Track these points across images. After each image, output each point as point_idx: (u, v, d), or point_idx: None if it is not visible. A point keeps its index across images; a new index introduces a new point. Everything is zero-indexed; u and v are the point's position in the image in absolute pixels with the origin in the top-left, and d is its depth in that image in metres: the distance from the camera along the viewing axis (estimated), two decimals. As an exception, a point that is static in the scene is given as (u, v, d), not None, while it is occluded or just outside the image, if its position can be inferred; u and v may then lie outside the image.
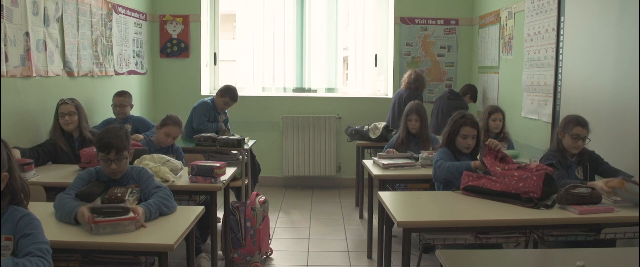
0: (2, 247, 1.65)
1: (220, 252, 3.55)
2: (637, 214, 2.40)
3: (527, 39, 4.40)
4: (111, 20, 4.61)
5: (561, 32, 3.86)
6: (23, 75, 3.30)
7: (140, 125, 4.23)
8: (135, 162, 2.94)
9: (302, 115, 5.90)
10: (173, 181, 2.89)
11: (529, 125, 4.40)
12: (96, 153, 2.54)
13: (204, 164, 3.00)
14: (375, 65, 6.11)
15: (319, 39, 6.00)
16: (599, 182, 2.67)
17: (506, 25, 4.90)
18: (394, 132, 4.49)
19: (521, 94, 4.50)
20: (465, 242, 2.47)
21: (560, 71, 3.88)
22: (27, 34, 3.30)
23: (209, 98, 4.80)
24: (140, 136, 3.79)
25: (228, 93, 4.74)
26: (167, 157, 3.07)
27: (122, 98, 4.24)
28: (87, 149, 3.20)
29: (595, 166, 3.03)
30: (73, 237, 2.06)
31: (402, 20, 5.89)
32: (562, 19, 3.85)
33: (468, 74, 5.94)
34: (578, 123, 2.97)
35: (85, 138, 3.52)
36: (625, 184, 2.51)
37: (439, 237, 2.46)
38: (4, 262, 1.54)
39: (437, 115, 5.18)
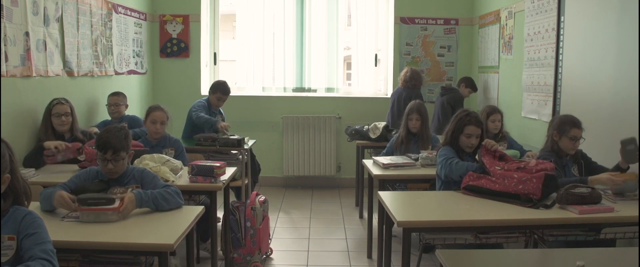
0: (4, 247, 1.65)
1: (220, 252, 3.56)
2: (637, 214, 2.40)
3: (527, 39, 4.40)
4: (111, 20, 4.61)
5: (561, 32, 3.86)
6: (23, 75, 3.30)
7: (134, 123, 4.24)
8: (135, 162, 2.94)
9: (302, 115, 5.90)
10: (173, 181, 2.89)
11: (529, 125, 4.40)
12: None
13: (204, 164, 3.00)
14: (375, 65, 6.11)
15: (319, 39, 6.00)
16: (605, 175, 2.71)
17: (506, 25, 4.90)
18: (394, 132, 4.49)
19: (521, 93, 4.50)
20: (465, 242, 2.47)
21: (560, 71, 3.88)
22: (27, 33, 3.30)
23: (204, 98, 4.82)
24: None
25: (219, 88, 4.74)
26: (167, 157, 3.07)
27: (117, 97, 4.28)
28: (90, 149, 3.20)
29: (587, 164, 3.06)
30: (73, 237, 2.06)
31: (402, 20, 5.89)
32: (562, 19, 3.85)
33: (468, 74, 5.90)
34: (574, 125, 2.97)
35: (76, 138, 3.50)
36: (634, 177, 2.63)
37: (439, 237, 2.46)
38: None
39: (437, 115, 5.19)
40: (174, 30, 5.77)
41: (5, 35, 3.07)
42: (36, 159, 3.29)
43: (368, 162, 3.80)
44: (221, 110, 4.93)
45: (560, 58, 3.87)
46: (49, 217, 2.26)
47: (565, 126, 2.98)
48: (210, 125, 4.56)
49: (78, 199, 2.22)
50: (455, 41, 5.95)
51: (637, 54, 2.99)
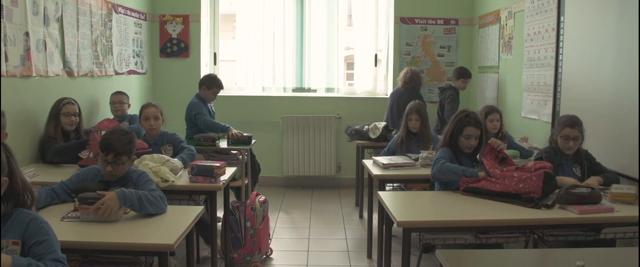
0: (7, 251, 1.61)
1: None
2: (637, 214, 2.40)
3: (527, 39, 4.40)
4: (111, 20, 4.61)
5: (561, 32, 3.86)
6: (23, 75, 3.30)
7: (134, 122, 4.25)
8: (135, 162, 2.93)
9: (302, 115, 5.90)
10: (173, 181, 2.89)
11: (529, 125, 4.40)
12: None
13: (204, 164, 3.00)
14: (375, 65, 6.11)
15: (318, 39, 6.00)
16: (571, 179, 2.81)
17: (506, 25, 4.90)
18: (393, 132, 4.49)
19: (521, 93, 4.50)
20: (465, 242, 2.47)
21: (560, 71, 3.88)
22: (27, 33, 3.30)
23: (194, 97, 4.72)
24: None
25: (215, 83, 4.69)
26: (167, 157, 3.07)
27: (120, 95, 4.32)
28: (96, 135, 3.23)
29: (591, 165, 3.05)
30: (73, 237, 2.06)
31: (402, 20, 5.89)
32: (562, 19, 3.85)
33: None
34: (567, 124, 2.98)
35: (81, 138, 3.56)
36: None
37: (438, 237, 2.46)
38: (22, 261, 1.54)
39: (438, 115, 5.19)
40: (174, 30, 5.77)
41: (5, 35, 3.07)
42: (73, 153, 3.31)
43: (368, 162, 3.80)
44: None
45: (560, 58, 3.87)
46: (49, 217, 2.24)
47: (559, 126, 3.01)
48: (220, 130, 4.51)
49: (78, 198, 2.23)
50: (455, 41, 5.95)
51: (637, 53, 2.99)
